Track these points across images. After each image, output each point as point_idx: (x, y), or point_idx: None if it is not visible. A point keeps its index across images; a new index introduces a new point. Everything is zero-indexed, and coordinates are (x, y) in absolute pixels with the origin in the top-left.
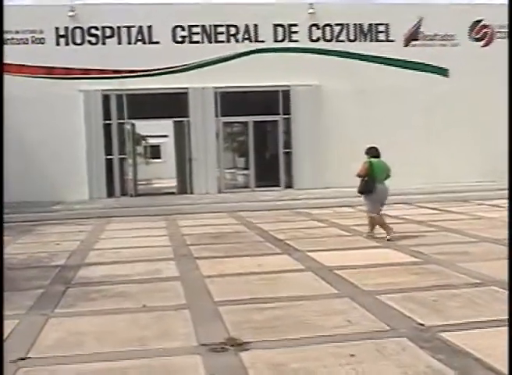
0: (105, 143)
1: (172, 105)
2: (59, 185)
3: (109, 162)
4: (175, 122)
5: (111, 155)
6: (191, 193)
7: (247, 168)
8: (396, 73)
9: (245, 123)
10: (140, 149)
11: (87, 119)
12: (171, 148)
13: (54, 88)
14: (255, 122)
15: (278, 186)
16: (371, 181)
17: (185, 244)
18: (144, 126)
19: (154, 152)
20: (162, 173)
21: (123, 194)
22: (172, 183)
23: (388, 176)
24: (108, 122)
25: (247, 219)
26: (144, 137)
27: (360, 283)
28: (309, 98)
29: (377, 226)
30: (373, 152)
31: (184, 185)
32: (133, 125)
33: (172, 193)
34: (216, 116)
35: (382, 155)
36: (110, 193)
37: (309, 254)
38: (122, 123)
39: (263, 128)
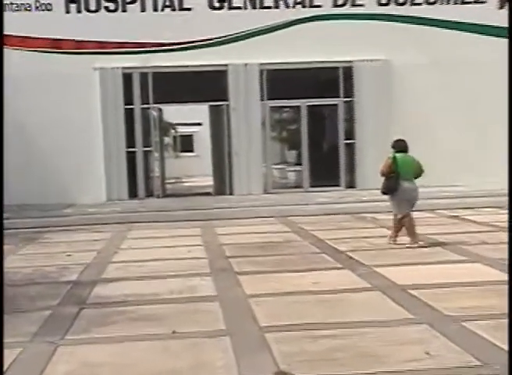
0: (126, 133)
1: (208, 86)
2: (70, 184)
3: (131, 157)
4: (211, 107)
5: (133, 147)
6: (231, 194)
7: (299, 163)
8: (489, 42)
9: (297, 108)
10: (168, 140)
11: (104, 103)
12: (206, 139)
13: (62, 65)
14: (310, 106)
15: (337, 185)
16: (395, 179)
17: (224, 256)
18: (173, 113)
19: (186, 144)
20: (195, 170)
21: (148, 195)
22: (207, 181)
23: (419, 175)
24: (129, 107)
25: (299, 225)
26: (173, 126)
27: (441, 307)
28: (376, 77)
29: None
30: (399, 146)
31: (222, 184)
32: (160, 111)
33: (208, 194)
34: (262, 99)
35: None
36: (132, 194)
37: (376, 269)
38: (147, 109)
39: (319, 114)
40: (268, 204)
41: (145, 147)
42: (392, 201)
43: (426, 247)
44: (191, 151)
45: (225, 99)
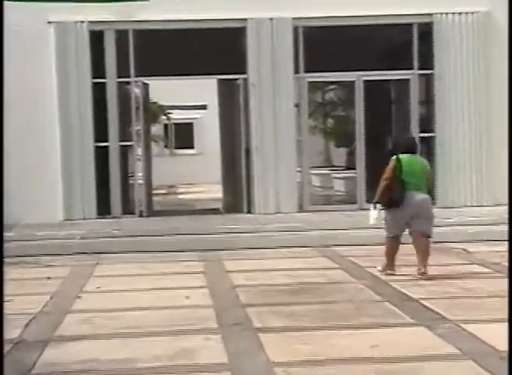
0: (95, 120)
1: (217, 51)
2: (10, 196)
3: (102, 155)
4: (220, 82)
5: (104, 141)
6: (249, 212)
7: (351, 167)
8: None
9: (349, 85)
10: (157, 131)
11: (62, 74)
12: (212, 130)
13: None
14: (368, 82)
15: None
16: (398, 188)
17: (238, 304)
18: (165, 90)
19: (183, 137)
20: (197, 175)
21: (127, 211)
22: (213, 192)
23: (429, 185)
24: (99, 81)
25: (350, 259)
26: (164, 110)
27: None
28: (470, 38)
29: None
30: (405, 145)
31: (236, 197)
32: (145, 87)
33: (215, 211)
34: (296, 71)
35: None
36: (103, 210)
37: (465, 326)
38: (126, 84)
39: (383, 94)
40: (305, 227)
41: (123, 141)
42: (387, 215)
43: (393, 274)
44: (191, 147)
45: (242, 71)
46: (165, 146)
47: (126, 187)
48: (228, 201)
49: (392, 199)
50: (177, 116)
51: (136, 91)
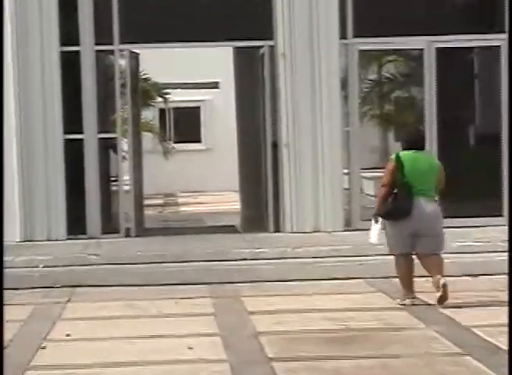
0: (65, 103)
1: (233, 9)
2: None
3: (74, 151)
4: (238, 51)
5: (78, 132)
6: (277, 230)
7: None
8: None
9: (416, 54)
10: (150, 117)
11: (20, 39)
12: (226, 117)
13: None
14: (442, 50)
15: (498, 215)
16: (404, 194)
17: (261, 359)
18: (161, 62)
19: (186, 126)
20: (205, 178)
21: (109, 230)
22: (228, 202)
23: (439, 188)
24: (71, 49)
25: (415, 294)
26: (160, 90)
27: None
28: None
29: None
30: (409, 139)
31: (260, 210)
32: (134, 57)
33: (231, 228)
34: (343, 35)
35: None
36: (76, 228)
37: None
38: (108, 54)
39: (462, 65)
40: (354, 252)
41: (103, 132)
42: (388, 229)
43: (414, 304)
44: (197, 140)
45: (267, 36)
46: (162, 139)
47: (107, 197)
48: (248, 216)
49: (395, 209)
50: (178, 97)
51: (121, 63)
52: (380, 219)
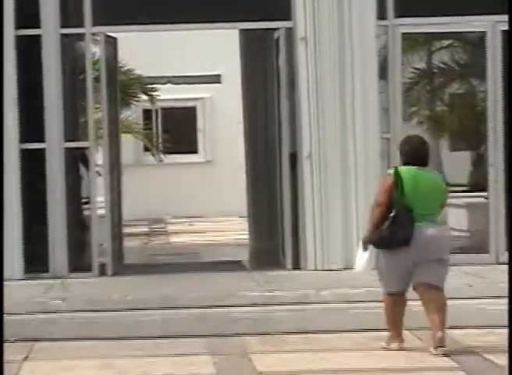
0: (22, 101)
1: None
2: None
3: (34, 164)
4: (246, 35)
5: (38, 140)
6: (296, 266)
7: (479, 186)
8: None
9: (476, 38)
10: (132, 120)
11: None
12: (231, 120)
13: None
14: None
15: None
16: (404, 218)
17: None
18: (146, 50)
19: (179, 131)
20: (203, 200)
21: (79, 267)
22: (233, 230)
23: (439, 209)
24: (31, 32)
25: (478, 350)
26: (146, 84)
27: None
28: None
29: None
30: (412, 153)
31: (274, 240)
32: (110, 43)
33: (237, 265)
34: (381, 15)
35: None
36: (36, 265)
37: None
38: (78, 38)
39: None
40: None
41: (71, 140)
42: (385, 261)
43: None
44: (193, 150)
45: (284, 16)
46: (147, 149)
47: (76, 224)
48: (258, 249)
49: (391, 237)
50: (168, 95)
51: (94, 50)
52: (370, 248)
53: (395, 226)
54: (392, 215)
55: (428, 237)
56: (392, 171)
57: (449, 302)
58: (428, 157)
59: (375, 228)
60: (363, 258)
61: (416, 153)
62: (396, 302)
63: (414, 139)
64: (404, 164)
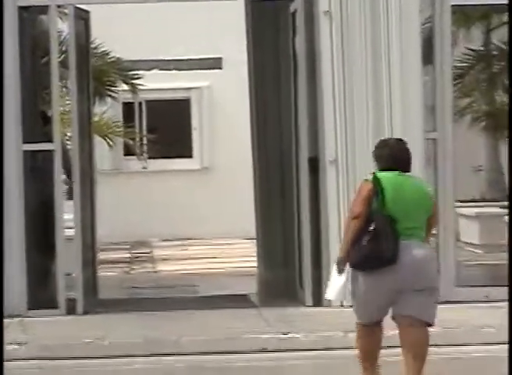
0: None
1: None
2: None
3: None
4: (253, 7)
5: None
6: (317, 303)
7: None
8: None
9: None
10: (110, 116)
11: None
12: (233, 116)
13: None
14: None
15: None
16: (386, 232)
17: None
18: (126, 28)
19: (169, 131)
20: (198, 218)
21: (43, 303)
22: (236, 256)
23: (428, 228)
24: None
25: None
26: (127, 71)
27: None
28: None
29: None
30: (391, 156)
31: (289, 270)
32: (83, 20)
33: (241, 300)
34: None
35: None
36: None
37: None
38: (41, 11)
39: None
40: (449, 338)
41: (30, 141)
42: (361, 286)
43: None
44: (185, 154)
45: None
46: (128, 153)
47: (37, 248)
48: (270, 280)
49: (372, 255)
50: (155, 84)
51: (61, 27)
52: (347, 270)
53: (377, 242)
54: (372, 228)
55: (416, 259)
56: (370, 178)
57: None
58: (410, 163)
59: (351, 245)
60: (337, 283)
61: (397, 157)
62: (371, 333)
63: (392, 142)
64: (382, 170)
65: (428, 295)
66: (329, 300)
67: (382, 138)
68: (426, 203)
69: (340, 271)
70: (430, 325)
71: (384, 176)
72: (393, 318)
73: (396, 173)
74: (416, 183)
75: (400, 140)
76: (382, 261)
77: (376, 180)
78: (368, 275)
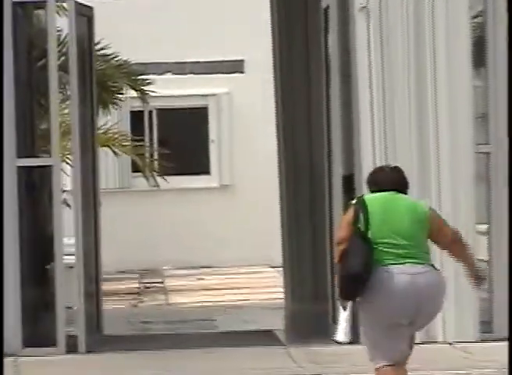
0: None
1: None
2: None
3: None
4: (279, 2)
5: None
6: (353, 339)
7: None
8: None
9: None
10: (116, 127)
11: None
12: (255, 127)
13: None
14: None
15: None
16: (356, 245)
17: None
18: (135, 27)
19: (182, 144)
20: (216, 244)
21: (40, 341)
22: (261, 287)
23: (441, 244)
24: None
25: None
26: (136, 75)
27: None
28: None
29: None
30: (384, 178)
31: (320, 303)
32: (86, 17)
33: (266, 336)
34: None
35: None
36: None
37: None
38: (38, 6)
39: None
40: None
41: (26, 156)
42: (363, 318)
43: None
44: (202, 171)
45: None
46: (137, 169)
47: (33, 277)
48: (298, 313)
49: (343, 276)
50: (168, 90)
51: (61, 25)
52: (348, 304)
53: (346, 260)
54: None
55: (420, 287)
56: (355, 201)
57: None
58: (407, 184)
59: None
60: (343, 321)
61: (393, 178)
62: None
63: (386, 167)
64: (373, 192)
65: (418, 329)
66: (339, 340)
67: (375, 169)
68: (421, 222)
69: (344, 307)
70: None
71: (371, 196)
72: None
73: (388, 193)
74: (408, 202)
75: (396, 167)
76: (352, 279)
77: (361, 202)
78: (363, 304)
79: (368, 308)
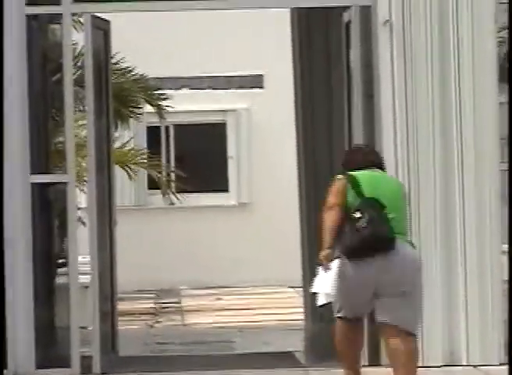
0: None
1: None
2: None
3: None
4: (300, 16)
5: None
6: (375, 362)
7: None
8: None
9: None
10: (132, 143)
11: None
12: (275, 143)
13: None
14: None
15: None
16: (378, 215)
17: None
18: (152, 41)
19: (200, 161)
20: (234, 263)
21: (53, 361)
22: (281, 307)
23: (400, 220)
24: None
25: None
26: (152, 90)
27: None
28: None
29: None
30: (364, 156)
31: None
32: (102, 30)
33: (286, 358)
34: None
35: None
36: None
37: None
38: (53, 20)
39: None
40: None
41: (40, 172)
42: (350, 274)
43: None
44: (221, 189)
45: None
46: (153, 186)
47: (47, 296)
48: (319, 334)
49: (371, 238)
50: (186, 105)
51: (76, 38)
52: (335, 263)
53: (375, 224)
54: (359, 216)
55: (404, 259)
56: (341, 176)
57: None
58: (381, 162)
59: (335, 234)
60: (327, 283)
61: (371, 155)
62: (354, 330)
63: (364, 147)
64: (352, 170)
65: (408, 302)
66: (315, 293)
67: (353, 147)
68: (404, 201)
69: (327, 267)
70: (413, 334)
71: (357, 173)
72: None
73: (370, 169)
74: (392, 179)
75: (364, 147)
76: (384, 242)
77: (349, 176)
78: (358, 263)
79: (368, 265)
